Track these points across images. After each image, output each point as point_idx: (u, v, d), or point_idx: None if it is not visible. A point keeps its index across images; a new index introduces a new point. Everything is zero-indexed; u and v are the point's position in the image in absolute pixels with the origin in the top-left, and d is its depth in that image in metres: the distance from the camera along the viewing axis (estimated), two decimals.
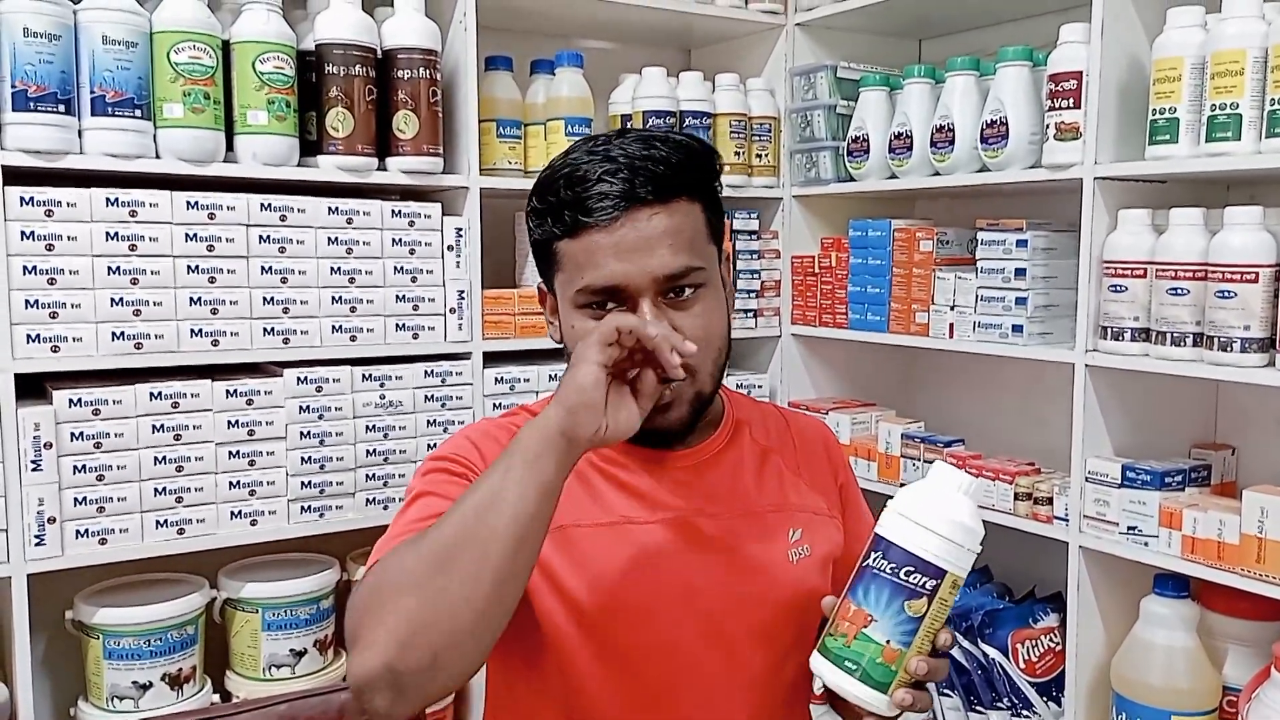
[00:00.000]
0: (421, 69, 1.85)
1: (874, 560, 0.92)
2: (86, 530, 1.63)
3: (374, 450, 1.86)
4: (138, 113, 1.63)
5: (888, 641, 0.90)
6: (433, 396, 1.91)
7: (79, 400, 1.62)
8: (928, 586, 0.90)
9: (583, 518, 1.03)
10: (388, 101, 1.84)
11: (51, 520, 1.60)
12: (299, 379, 1.78)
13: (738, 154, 2.22)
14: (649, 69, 2.14)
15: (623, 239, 0.98)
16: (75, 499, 1.62)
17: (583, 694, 1.03)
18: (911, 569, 0.90)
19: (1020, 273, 1.82)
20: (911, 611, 0.90)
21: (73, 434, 1.61)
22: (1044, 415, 2.08)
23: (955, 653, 1.91)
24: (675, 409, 1.02)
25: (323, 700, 1.34)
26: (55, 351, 1.60)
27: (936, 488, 0.93)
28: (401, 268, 1.87)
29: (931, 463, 1.95)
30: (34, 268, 1.58)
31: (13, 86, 1.54)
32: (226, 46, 1.72)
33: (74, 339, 1.61)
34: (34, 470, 1.58)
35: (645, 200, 0.98)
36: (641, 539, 1.03)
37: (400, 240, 1.87)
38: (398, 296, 1.87)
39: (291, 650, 1.81)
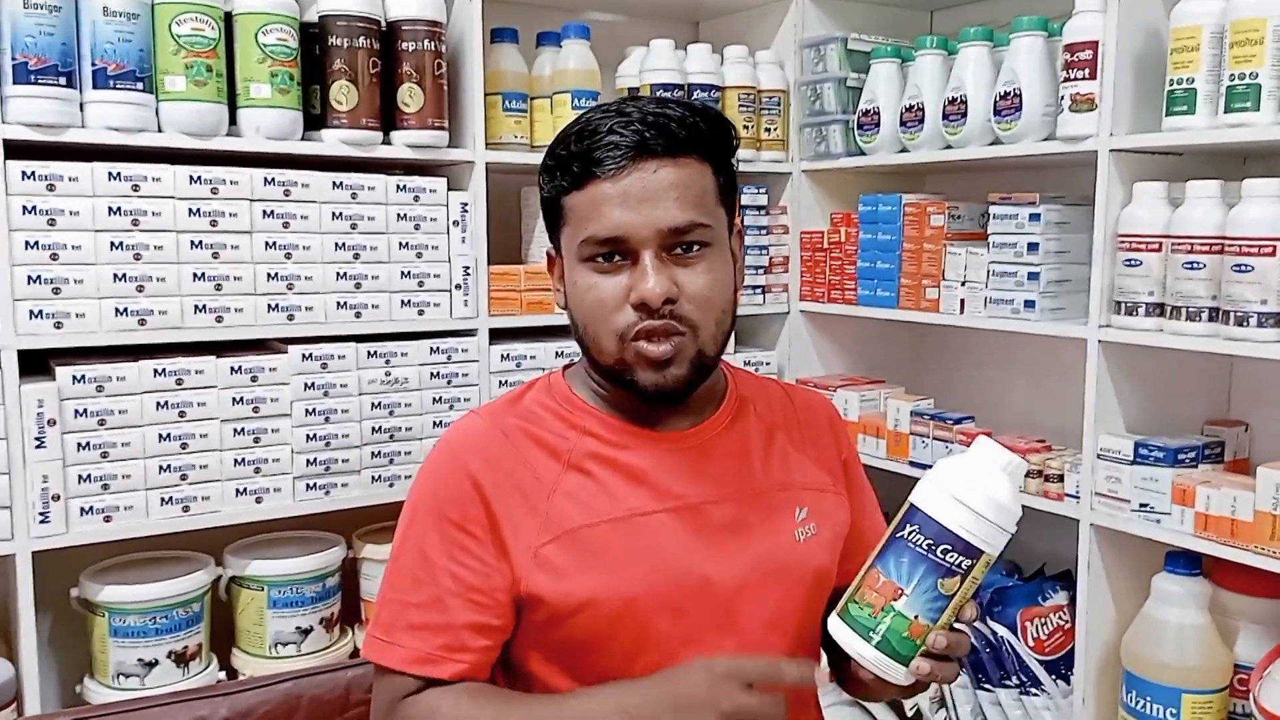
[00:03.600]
0: (426, 41, 1.82)
1: (909, 533, 0.89)
2: (91, 508, 1.62)
3: (379, 427, 1.84)
4: (139, 85, 1.61)
5: (916, 617, 0.88)
6: (438, 373, 1.89)
7: (82, 377, 1.61)
8: (963, 566, 0.88)
9: (592, 516, 1.01)
10: (392, 74, 1.82)
11: (56, 498, 1.59)
12: (303, 355, 1.77)
13: (746, 128, 2.20)
14: (657, 41, 2.11)
15: (629, 189, 0.97)
16: (79, 476, 1.61)
17: None
18: (949, 547, 0.88)
19: (1033, 247, 1.80)
20: (944, 589, 0.88)
21: (76, 411, 1.60)
22: (1056, 392, 2.06)
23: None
24: (675, 365, 0.99)
25: (329, 678, 1.33)
26: (58, 328, 1.59)
27: (979, 464, 0.90)
28: (406, 243, 1.85)
29: (942, 441, 1.95)
30: (36, 243, 1.56)
31: (13, 59, 1.52)
32: (229, 18, 1.70)
33: (77, 315, 1.59)
34: (38, 447, 1.57)
35: (655, 152, 0.97)
36: (652, 531, 1.02)
37: (405, 215, 1.85)
38: (403, 272, 1.85)
39: (297, 628, 1.81)
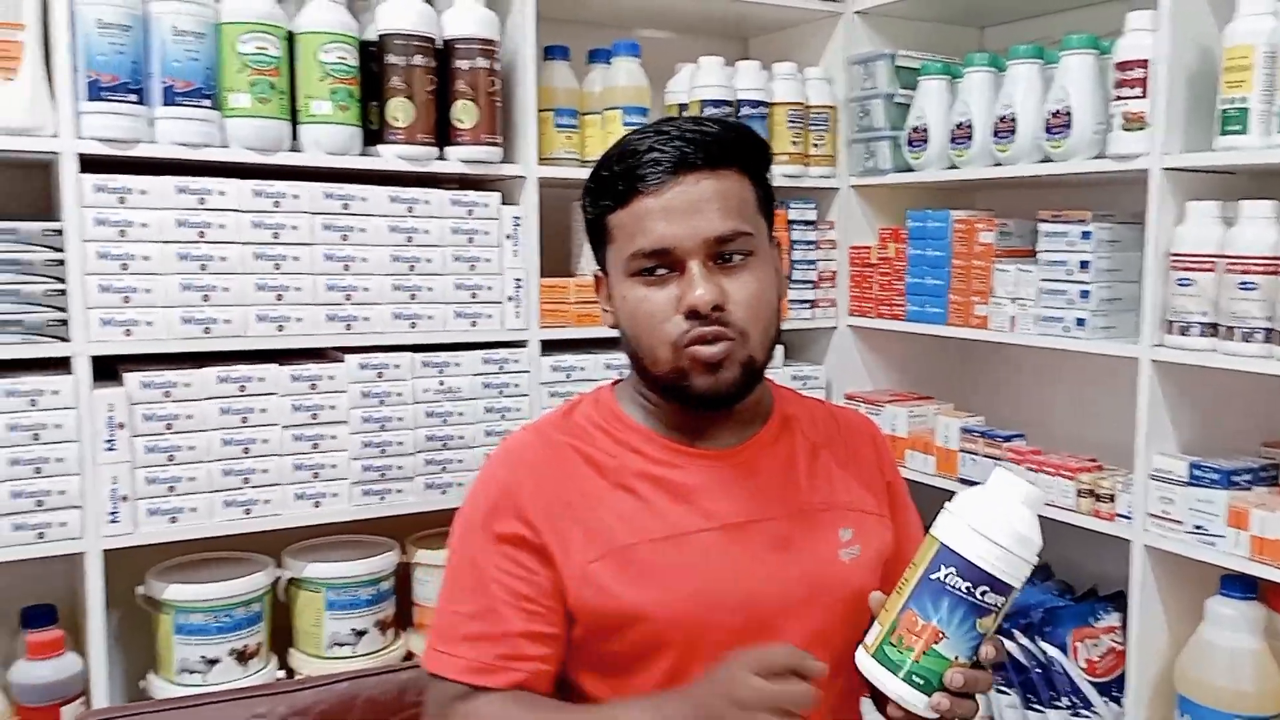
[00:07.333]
0: (481, 59, 1.86)
1: (947, 576, 0.89)
2: (158, 509, 1.68)
3: (433, 435, 1.88)
4: (206, 102, 1.66)
5: (956, 657, 0.90)
6: (490, 383, 1.93)
7: (151, 382, 1.66)
8: (999, 604, 0.90)
9: (641, 534, 1.02)
10: (448, 91, 1.86)
11: (125, 498, 1.65)
12: (361, 364, 1.82)
13: (795, 144, 2.21)
14: (706, 58, 2.14)
15: (672, 202, 1.00)
16: (147, 478, 1.67)
17: None
18: (987, 588, 0.89)
19: (1084, 265, 1.79)
20: (981, 628, 0.90)
21: (145, 415, 1.66)
22: (1107, 411, 2.04)
23: (1014, 650, 1.89)
24: (727, 368, 1.01)
25: (384, 679, 1.36)
26: (128, 335, 1.64)
27: (1003, 498, 0.91)
28: (460, 256, 1.89)
29: (991, 459, 1.94)
30: (108, 253, 1.62)
31: (87, 76, 1.58)
32: (291, 37, 1.75)
33: (146, 323, 1.65)
34: (108, 450, 1.63)
35: (695, 165, 1.00)
36: (698, 550, 1.03)
37: (459, 229, 1.89)
38: (457, 284, 1.89)
39: (353, 629, 1.85)
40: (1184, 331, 1.63)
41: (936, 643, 0.89)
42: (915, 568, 0.92)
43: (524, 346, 1.97)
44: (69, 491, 1.61)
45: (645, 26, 2.37)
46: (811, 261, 2.27)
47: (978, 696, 0.94)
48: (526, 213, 1.95)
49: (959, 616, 0.89)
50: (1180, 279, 1.63)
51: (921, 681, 0.89)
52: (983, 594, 0.89)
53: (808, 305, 2.28)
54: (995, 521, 0.89)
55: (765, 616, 1.03)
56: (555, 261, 2.09)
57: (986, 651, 0.91)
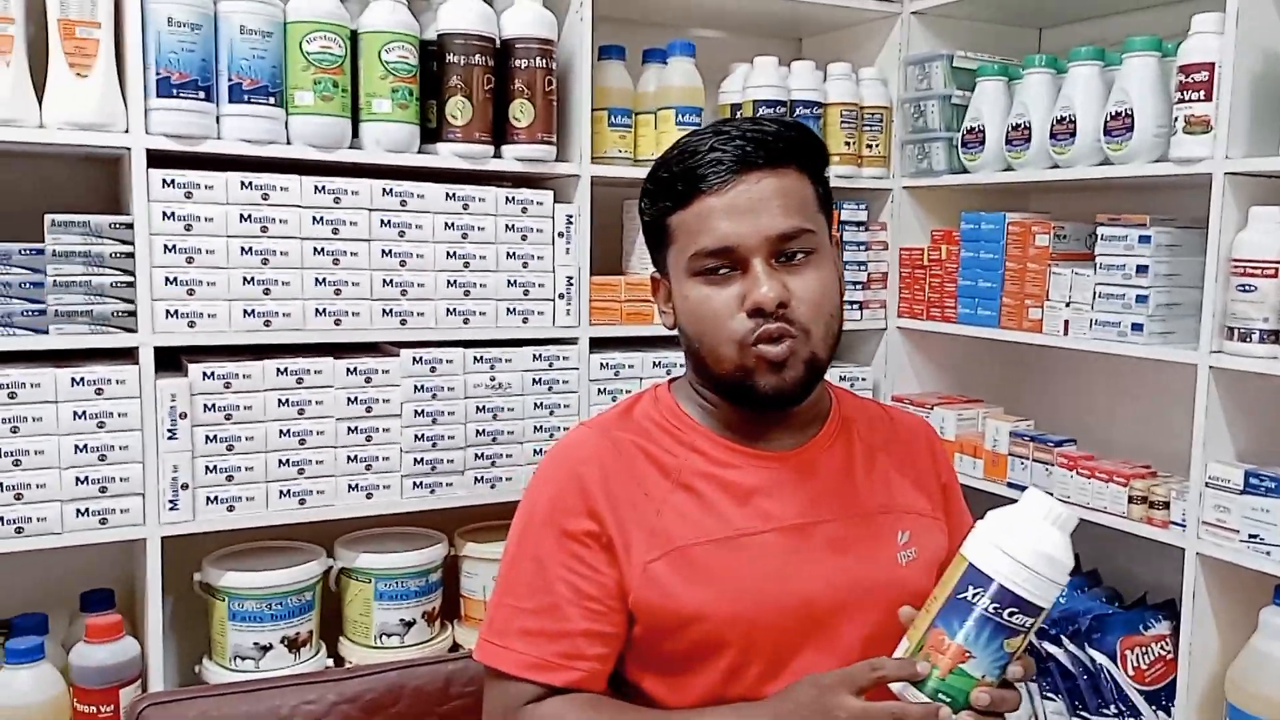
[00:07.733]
0: (538, 58, 1.88)
1: (974, 596, 0.90)
2: (216, 497, 1.71)
3: (483, 430, 1.91)
4: (271, 100, 1.70)
5: (983, 676, 0.90)
6: (540, 380, 1.95)
7: (212, 373, 1.70)
8: (1027, 625, 0.90)
9: (699, 535, 1.03)
10: (505, 90, 1.88)
11: (184, 486, 1.69)
12: (414, 359, 1.84)
13: (848, 144, 2.21)
14: (760, 58, 2.14)
15: (734, 201, 1.00)
16: (206, 467, 1.70)
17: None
18: (1015, 610, 0.89)
19: (1142, 269, 1.77)
20: (1009, 648, 0.90)
21: (205, 405, 1.69)
22: (1162, 417, 2.01)
23: (1061, 656, 1.87)
24: (790, 367, 1.01)
25: (431, 670, 1.37)
26: (191, 327, 1.68)
27: (1033, 520, 0.91)
28: (513, 253, 1.91)
29: (1042, 464, 1.93)
30: (173, 246, 1.66)
31: (157, 74, 1.62)
32: (354, 36, 1.78)
33: (209, 315, 1.69)
34: (170, 439, 1.67)
35: (756, 164, 1.01)
36: (758, 550, 1.03)
37: (513, 226, 1.91)
38: (509, 281, 1.91)
39: (401, 620, 1.87)
40: (1244, 338, 1.61)
41: (963, 662, 0.89)
42: (944, 585, 0.93)
43: (574, 344, 1.98)
44: (131, 479, 1.65)
45: (700, 26, 2.37)
46: (862, 263, 2.27)
47: (1007, 715, 0.94)
48: (579, 211, 1.96)
49: (986, 637, 0.89)
50: (1241, 285, 1.61)
51: (948, 699, 0.89)
52: (1010, 615, 0.89)
53: (857, 306, 2.27)
54: (1024, 543, 0.89)
55: (822, 618, 1.04)
56: (606, 259, 2.11)
57: (1015, 671, 0.91)
